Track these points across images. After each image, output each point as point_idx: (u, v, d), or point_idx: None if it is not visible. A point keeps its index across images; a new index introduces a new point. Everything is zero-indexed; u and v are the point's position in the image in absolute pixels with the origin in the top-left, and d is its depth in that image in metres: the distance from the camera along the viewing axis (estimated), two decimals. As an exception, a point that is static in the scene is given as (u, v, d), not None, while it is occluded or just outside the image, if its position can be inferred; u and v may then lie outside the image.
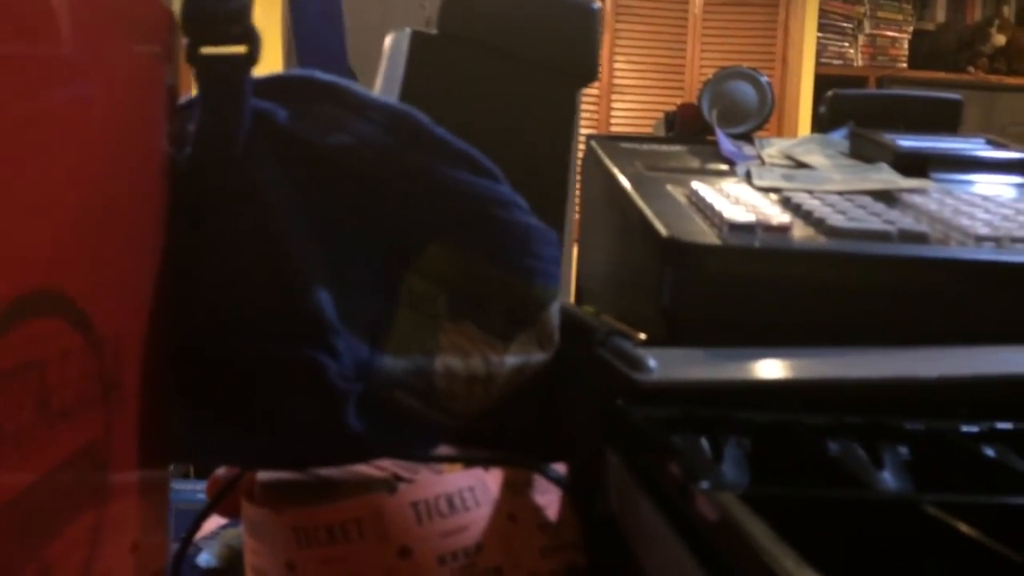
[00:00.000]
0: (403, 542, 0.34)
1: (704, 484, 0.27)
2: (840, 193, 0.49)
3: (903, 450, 0.35)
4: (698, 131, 0.68)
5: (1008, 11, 3.26)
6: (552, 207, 0.47)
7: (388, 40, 0.48)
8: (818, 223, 0.43)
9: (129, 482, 0.29)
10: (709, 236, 0.42)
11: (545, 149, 0.49)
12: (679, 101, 0.70)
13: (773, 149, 0.62)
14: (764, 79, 0.69)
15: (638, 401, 0.37)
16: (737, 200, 0.46)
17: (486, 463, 0.38)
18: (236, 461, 0.40)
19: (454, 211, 0.33)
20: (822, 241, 0.41)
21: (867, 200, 0.48)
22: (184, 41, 0.32)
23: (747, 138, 0.66)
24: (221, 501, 0.41)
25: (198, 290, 0.31)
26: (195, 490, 0.57)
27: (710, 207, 0.45)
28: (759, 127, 0.67)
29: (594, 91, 3.13)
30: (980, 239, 0.41)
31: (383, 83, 0.47)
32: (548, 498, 0.38)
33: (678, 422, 0.35)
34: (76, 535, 0.25)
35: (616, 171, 0.53)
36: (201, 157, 0.31)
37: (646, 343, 0.43)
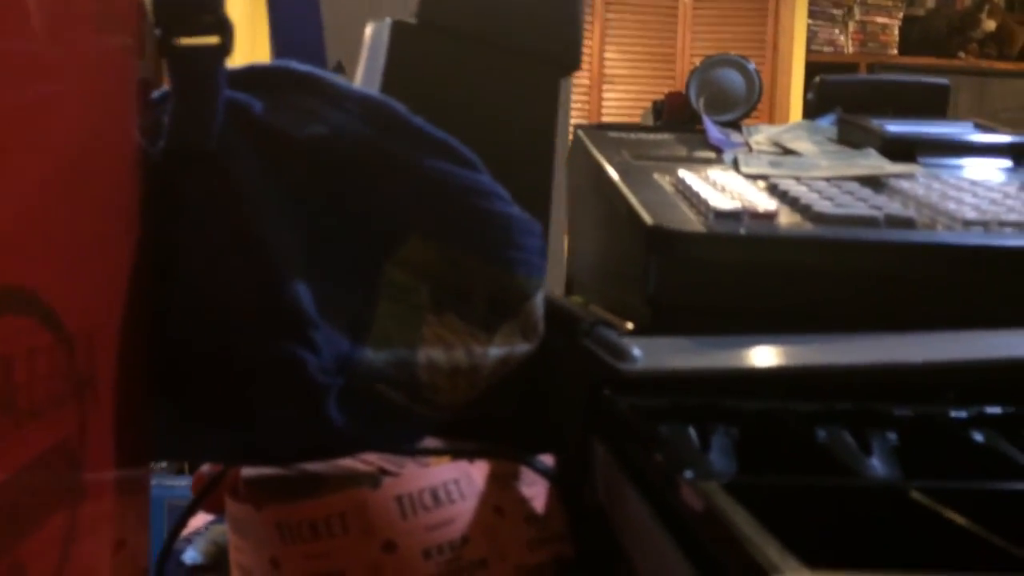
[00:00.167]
0: (388, 536, 0.34)
1: (688, 474, 0.27)
2: (827, 179, 0.49)
3: (891, 436, 0.35)
4: (686, 119, 0.68)
5: (998, -4, 3.26)
6: (536, 197, 0.47)
7: (368, 30, 0.48)
8: (804, 209, 0.43)
9: (106, 481, 0.28)
10: (694, 224, 0.41)
11: (529, 139, 0.48)
12: (670, 91, 0.69)
13: (761, 136, 0.61)
14: (751, 66, 0.68)
15: (624, 391, 0.36)
16: (723, 188, 0.46)
17: (472, 455, 0.37)
18: (218, 458, 0.39)
19: (434, 201, 0.33)
20: (808, 228, 0.41)
21: (854, 186, 0.47)
22: (156, 32, 0.31)
23: (735, 126, 0.65)
24: (206, 498, 0.41)
25: (174, 285, 0.30)
26: (188, 486, 0.57)
27: (696, 195, 0.45)
28: (747, 114, 0.67)
29: (585, 81, 3.12)
30: (968, 223, 0.41)
31: (364, 74, 0.47)
32: (535, 490, 0.38)
33: (665, 411, 0.35)
34: (50, 534, 0.24)
35: (603, 160, 0.53)
36: (175, 150, 0.30)
37: (633, 332, 0.42)
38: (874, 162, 0.51)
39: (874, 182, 0.49)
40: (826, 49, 3.10)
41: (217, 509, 0.44)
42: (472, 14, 0.47)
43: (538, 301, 0.37)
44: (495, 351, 0.35)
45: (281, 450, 0.35)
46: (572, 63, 0.48)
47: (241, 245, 0.30)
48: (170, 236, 0.30)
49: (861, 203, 0.43)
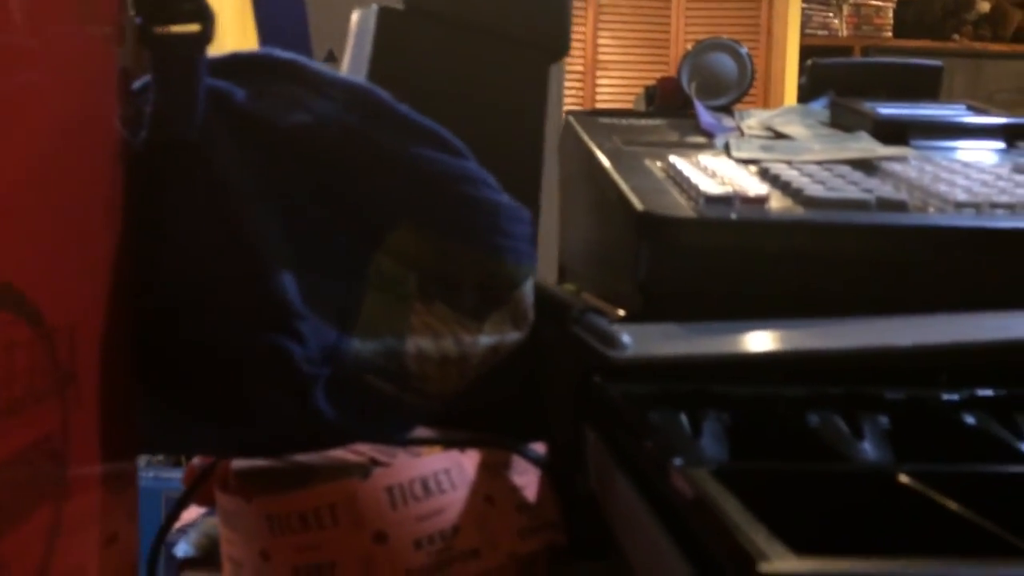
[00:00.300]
0: (378, 527, 0.34)
1: (677, 461, 0.27)
2: (819, 163, 0.49)
3: (883, 420, 0.35)
4: (679, 105, 0.67)
5: (992, -23, 3.25)
6: (526, 184, 0.46)
7: (355, 17, 0.47)
8: (796, 193, 0.42)
9: (91, 475, 0.28)
10: (685, 210, 0.41)
11: (518, 125, 0.48)
12: (664, 76, 0.69)
13: (753, 120, 0.61)
14: (744, 50, 0.68)
15: (616, 378, 0.36)
16: (714, 173, 0.46)
17: (463, 445, 0.37)
18: (208, 450, 0.39)
19: (420, 189, 0.33)
20: (799, 212, 0.41)
21: (846, 169, 0.47)
22: (136, 21, 0.31)
23: (727, 110, 0.65)
24: (197, 490, 0.41)
25: (158, 278, 0.30)
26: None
27: (687, 180, 0.44)
28: (739, 99, 0.66)
29: (579, 67, 3.11)
30: (959, 205, 0.41)
31: (351, 61, 0.46)
32: (527, 478, 0.38)
33: (656, 398, 0.35)
34: (33, 529, 0.24)
35: (594, 147, 0.52)
36: (156, 140, 0.30)
37: (625, 319, 0.42)
38: (866, 145, 0.51)
39: (866, 165, 0.48)
40: (820, 33, 3.09)
41: (210, 502, 0.44)
42: (459, 0, 0.47)
43: (527, 289, 0.36)
44: (485, 339, 0.35)
45: (271, 442, 0.34)
46: (560, 49, 0.48)
47: (225, 236, 0.30)
48: (154, 227, 0.30)
49: (853, 186, 0.43)
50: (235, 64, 0.32)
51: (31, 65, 0.24)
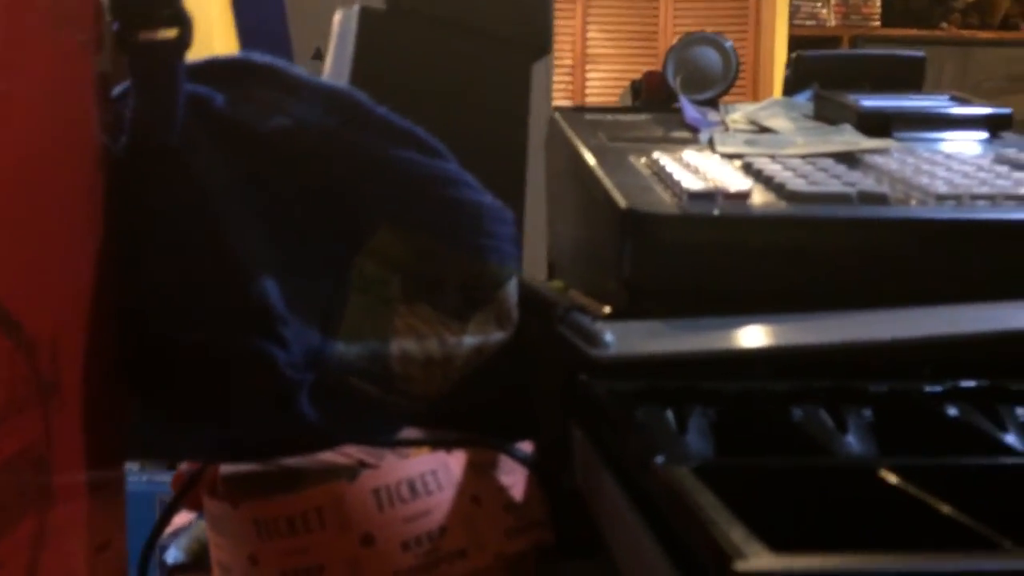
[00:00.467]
0: (365, 529, 0.34)
1: (659, 458, 0.27)
2: (802, 156, 0.49)
3: (867, 413, 0.35)
4: (665, 99, 0.67)
5: (979, -35, 3.25)
6: (510, 182, 0.47)
7: (337, 17, 0.47)
8: (778, 188, 0.42)
9: (77, 484, 0.28)
10: (668, 206, 0.41)
11: (501, 123, 0.48)
12: (653, 69, 0.69)
13: (738, 114, 0.61)
14: (728, 44, 0.68)
15: (602, 375, 0.36)
16: (697, 168, 0.46)
17: (449, 445, 0.37)
18: (195, 455, 0.39)
19: (401, 191, 0.33)
20: (782, 206, 0.41)
21: (829, 162, 0.47)
22: (114, 27, 0.31)
23: (713, 104, 0.65)
24: (186, 496, 0.41)
25: (140, 285, 0.30)
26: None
27: (670, 176, 0.44)
28: (724, 92, 0.66)
29: (568, 62, 3.11)
30: (940, 198, 0.41)
31: (333, 61, 0.46)
32: (514, 478, 0.38)
33: (642, 395, 0.35)
34: (17, 539, 0.24)
35: (579, 143, 0.53)
36: (137, 146, 0.30)
37: (611, 316, 0.42)
38: (849, 138, 0.51)
39: (849, 158, 0.48)
40: (809, 23, 3.09)
41: (200, 507, 0.44)
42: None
43: (511, 289, 0.36)
44: (469, 340, 0.35)
45: (257, 446, 0.35)
46: (543, 47, 0.48)
47: (206, 241, 0.30)
48: (135, 234, 0.30)
49: (835, 180, 0.43)
50: (214, 69, 0.32)
51: (6, 74, 0.24)
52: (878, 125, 0.53)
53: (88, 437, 0.28)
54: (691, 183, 0.42)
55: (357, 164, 0.32)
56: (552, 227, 0.63)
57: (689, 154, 0.50)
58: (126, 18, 0.30)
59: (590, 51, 3.14)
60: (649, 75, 0.72)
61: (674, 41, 0.70)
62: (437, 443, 0.38)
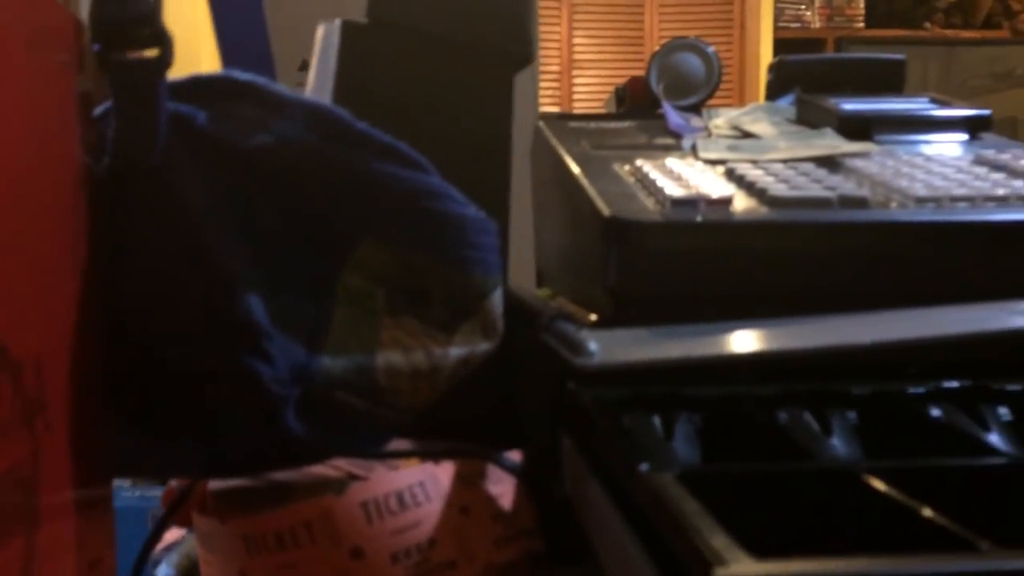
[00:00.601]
0: (355, 543, 0.34)
1: (644, 466, 0.27)
2: (784, 161, 0.49)
3: (851, 415, 0.35)
4: (649, 105, 0.68)
5: (961, -35, 3.27)
6: (494, 192, 0.47)
7: (319, 32, 0.47)
8: (760, 193, 0.43)
9: (65, 503, 0.28)
10: (651, 213, 0.41)
11: (484, 134, 0.48)
12: (640, 74, 0.69)
13: (720, 120, 0.61)
14: (710, 50, 0.68)
15: (589, 383, 0.37)
16: (680, 175, 0.46)
17: (437, 456, 0.38)
18: (183, 472, 0.39)
19: (383, 205, 0.33)
20: (763, 212, 0.41)
21: (810, 167, 0.48)
22: (95, 48, 0.31)
23: (696, 109, 0.65)
24: (176, 512, 0.41)
25: (125, 303, 0.30)
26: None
27: (653, 183, 0.45)
28: (708, 98, 0.67)
29: (555, 68, 3.11)
30: (920, 200, 0.41)
31: (316, 76, 0.46)
32: (502, 487, 0.38)
33: (629, 402, 0.35)
34: (6, 560, 0.24)
35: (563, 152, 0.53)
36: (119, 165, 0.30)
37: (597, 324, 0.42)
38: (830, 142, 0.52)
39: (830, 162, 0.49)
40: (793, 25, 3.11)
41: (190, 523, 0.44)
42: (423, 11, 0.47)
43: (496, 299, 0.37)
44: (455, 351, 0.35)
45: (244, 461, 0.35)
46: (526, 58, 0.48)
47: (190, 259, 0.30)
48: (119, 253, 0.30)
49: (816, 184, 0.44)
50: (196, 87, 0.32)
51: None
52: (859, 128, 0.53)
53: (75, 456, 0.28)
54: (674, 190, 0.42)
55: (339, 179, 0.32)
56: (539, 235, 0.63)
57: (672, 161, 0.50)
58: (107, 38, 0.30)
59: (577, 57, 3.15)
60: (633, 81, 0.73)
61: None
62: (425, 454, 0.38)
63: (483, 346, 0.36)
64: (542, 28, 2.95)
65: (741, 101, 2.93)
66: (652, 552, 0.26)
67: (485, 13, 0.48)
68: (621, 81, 0.74)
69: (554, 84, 3.11)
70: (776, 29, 3.07)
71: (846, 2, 3.13)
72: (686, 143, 0.55)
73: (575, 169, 0.49)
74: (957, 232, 0.40)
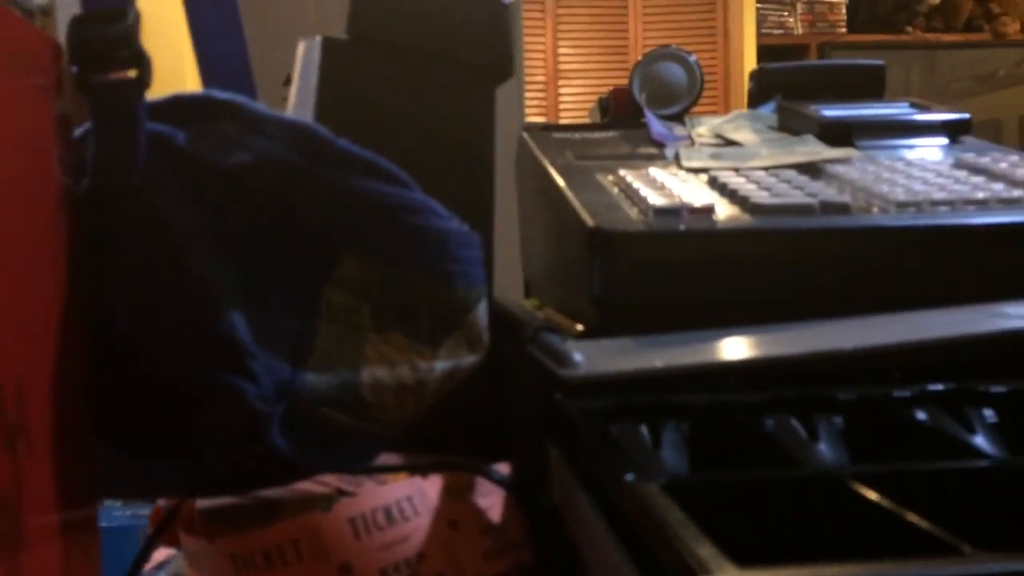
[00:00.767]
0: (343, 559, 0.34)
1: (629, 476, 0.27)
2: (766, 168, 0.49)
3: (837, 420, 0.35)
4: (633, 115, 0.68)
5: (940, -31, 3.30)
6: (477, 206, 0.47)
7: (300, 48, 0.47)
8: (742, 201, 0.43)
9: (48, 527, 0.28)
10: (634, 223, 0.41)
11: (467, 148, 0.48)
12: (624, 83, 0.70)
13: (703, 128, 0.62)
14: (692, 58, 0.69)
15: (576, 394, 0.37)
16: (663, 184, 0.46)
17: (425, 470, 0.37)
18: (168, 492, 0.39)
19: (365, 221, 0.33)
20: (746, 219, 0.41)
21: (792, 174, 0.48)
22: (73, 69, 0.31)
23: (679, 118, 0.66)
24: (164, 531, 0.41)
25: (108, 324, 0.30)
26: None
27: (636, 193, 0.45)
28: (690, 107, 0.67)
29: (540, 78, 3.13)
30: (901, 205, 0.42)
31: (297, 92, 0.46)
32: (491, 500, 0.38)
33: (616, 411, 0.35)
34: (-12, 587, 0.24)
35: (546, 163, 0.53)
36: (99, 186, 0.30)
37: (584, 334, 0.42)
38: (812, 148, 0.52)
39: (812, 168, 0.49)
40: (776, 32, 3.13)
41: (176, 543, 0.44)
42: (403, 27, 0.47)
43: (481, 312, 0.37)
44: (441, 365, 0.35)
45: (230, 480, 0.34)
46: (506, 71, 0.49)
47: (171, 279, 0.30)
48: (100, 274, 0.30)
49: (797, 191, 0.44)
50: (175, 107, 0.32)
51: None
52: (840, 134, 0.53)
53: (58, 479, 0.28)
54: (657, 199, 0.43)
55: (320, 196, 0.32)
56: (526, 246, 0.63)
57: (655, 170, 0.50)
58: (85, 60, 0.30)
59: (562, 67, 3.16)
60: (616, 91, 0.73)
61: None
62: (413, 468, 0.38)
63: (469, 359, 0.36)
64: (527, 39, 2.96)
65: (726, 108, 2.94)
66: (639, 563, 0.26)
67: (465, 28, 0.48)
68: (607, 90, 0.75)
69: (540, 94, 3.12)
70: (759, 36, 3.09)
71: (828, 8, 3.15)
72: (669, 152, 0.56)
73: (559, 180, 0.49)
74: (937, 236, 0.40)
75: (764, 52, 3.04)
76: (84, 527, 0.31)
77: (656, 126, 0.61)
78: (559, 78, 3.16)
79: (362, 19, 0.47)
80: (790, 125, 0.59)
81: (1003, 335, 0.36)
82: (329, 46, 0.46)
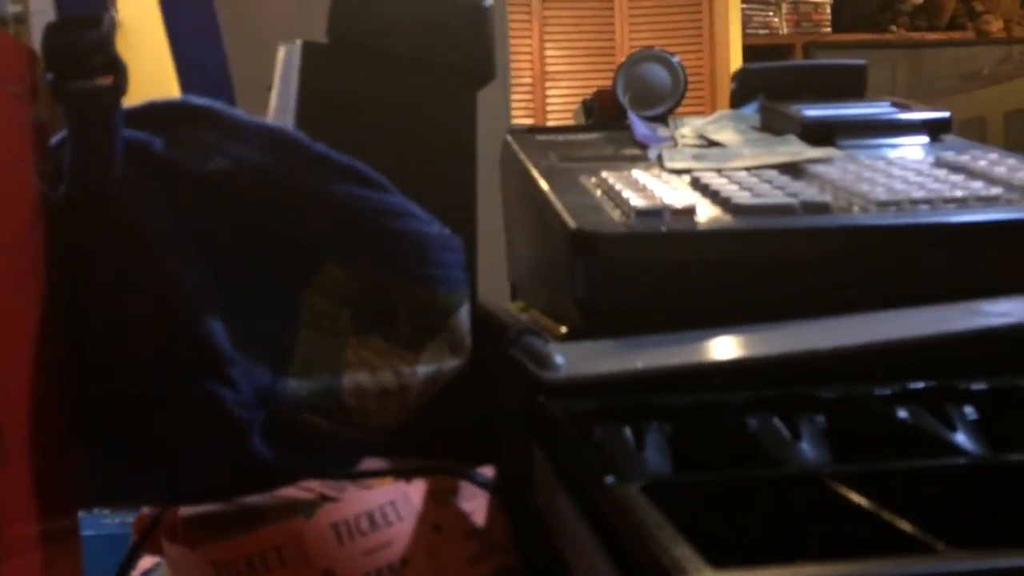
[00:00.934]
0: (326, 565, 0.34)
1: (609, 479, 0.27)
2: (748, 169, 0.50)
3: (819, 419, 0.35)
4: (617, 116, 0.68)
5: (924, -32, 3.32)
6: (459, 208, 0.47)
7: (280, 53, 0.47)
8: (724, 202, 0.43)
9: (29, 536, 0.28)
10: (616, 225, 0.42)
11: (448, 151, 0.48)
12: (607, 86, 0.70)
13: (687, 129, 0.62)
14: (675, 60, 0.69)
15: (559, 396, 0.37)
16: (645, 186, 0.47)
17: (408, 474, 0.37)
18: (151, 500, 0.39)
19: (343, 226, 0.33)
20: (727, 220, 0.41)
21: (773, 174, 0.48)
22: (48, 77, 0.31)
23: (663, 119, 0.66)
24: (147, 539, 0.40)
25: (87, 331, 0.30)
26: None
27: (618, 195, 0.45)
28: (674, 108, 0.67)
29: (528, 80, 3.13)
30: (881, 204, 0.42)
31: (278, 97, 0.46)
32: (475, 503, 0.38)
33: (600, 413, 0.35)
34: (-35, 599, 0.24)
35: (530, 165, 0.53)
36: (76, 193, 0.30)
37: (568, 336, 0.42)
38: (793, 148, 0.52)
39: (793, 168, 0.49)
40: (761, 32, 3.14)
41: (160, 551, 0.43)
42: (381, 30, 0.47)
43: (463, 315, 0.37)
44: (423, 369, 0.35)
45: (212, 487, 0.34)
46: (487, 74, 0.49)
47: (150, 285, 0.30)
48: (78, 281, 0.30)
49: (778, 191, 0.44)
50: (152, 113, 0.32)
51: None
52: (821, 134, 0.54)
53: (38, 489, 0.28)
54: (639, 201, 0.43)
55: (297, 201, 0.32)
56: (510, 248, 0.63)
57: (638, 172, 0.50)
58: (60, 68, 0.30)
59: (549, 69, 3.17)
60: (600, 93, 0.73)
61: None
62: (396, 473, 0.38)
63: (451, 363, 0.36)
64: (513, 41, 2.97)
65: (713, 108, 2.95)
66: (619, 565, 0.26)
67: (446, 32, 0.48)
68: (593, 91, 0.75)
69: (527, 96, 3.12)
70: (745, 36, 3.10)
71: (813, 8, 3.17)
72: (652, 153, 0.56)
73: (542, 182, 0.49)
74: (917, 234, 0.40)
75: (750, 52, 3.04)
76: (65, 536, 0.31)
77: (639, 127, 0.61)
78: (546, 80, 3.16)
79: (342, 23, 0.47)
80: (772, 125, 0.59)
81: (982, 333, 0.37)
82: (309, 50, 0.46)
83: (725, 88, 3.11)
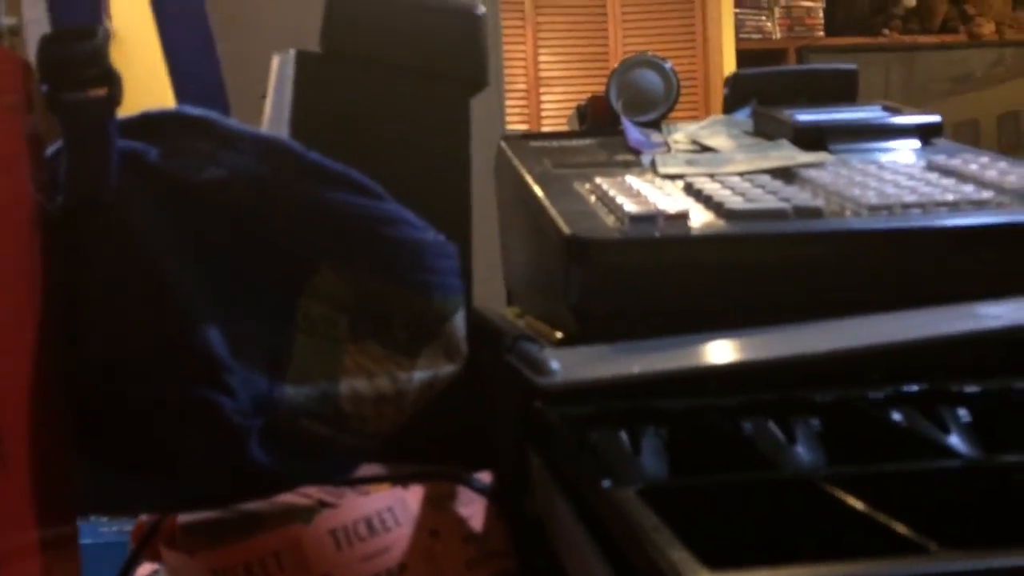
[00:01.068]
0: (324, 570, 0.34)
1: (605, 483, 0.27)
2: (741, 174, 0.50)
3: (814, 422, 0.36)
4: (610, 122, 0.68)
5: (916, -28, 3.33)
6: (454, 215, 0.47)
7: (274, 62, 0.48)
8: (717, 207, 0.43)
9: (27, 545, 0.28)
10: (610, 231, 0.42)
11: (442, 158, 0.49)
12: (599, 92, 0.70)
13: (680, 134, 0.62)
14: (668, 65, 0.69)
15: (555, 401, 0.37)
16: (638, 192, 0.47)
17: (406, 480, 0.38)
18: (149, 507, 0.39)
19: (338, 233, 0.33)
20: (720, 225, 0.42)
21: (766, 179, 0.48)
22: (43, 89, 0.31)
23: (656, 125, 0.66)
24: (147, 546, 0.40)
25: (84, 340, 0.30)
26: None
27: (612, 200, 0.45)
28: (667, 113, 0.67)
29: (522, 86, 3.13)
30: (873, 208, 0.42)
31: (272, 107, 0.47)
32: (473, 509, 0.38)
33: (596, 418, 0.35)
34: (-35, 608, 0.24)
35: (524, 171, 0.53)
36: (72, 204, 0.30)
37: (563, 342, 0.43)
38: (786, 153, 0.53)
39: (786, 173, 0.50)
40: (755, 36, 3.15)
41: (159, 558, 0.44)
42: (374, 39, 0.47)
43: (458, 321, 0.37)
44: (420, 375, 0.35)
45: (210, 494, 0.34)
46: (480, 82, 0.49)
47: (146, 295, 0.30)
48: (75, 291, 0.30)
49: (771, 196, 0.44)
50: (147, 123, 0.32)
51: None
52: (813, 139, 0.54)
53: (36, 497, 0.28)
54: (632, 207, 0.43)
55: (292, 209, 0.33)
56: (506, 254, 0.64)
57: (631, 177, 0.51)
58: (55, 79, 0.30)
59: (543, 75, 3.17)
60: (593, 99, 0.74)
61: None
62: (393, 478, 0.38)
63: (447, 369, 0.36)
64: (507, 47, 2.97)
65: (707, 113, 2.96)
66: (617, 568, 0.26)
67: (438, 40, 0.48)
68: (587, 97, 0.75)
69: (522, 102, 3.13)
70: (738, 40, 3.11)
71: (805, 12, 3.18)
72: (645, 159, 0.56)
73: (536, 188, 0.49)
74: (909, 238, 0.40)
75: (743, 57, 3.05)
76: (63, 544, 0.31)
77: (633, 133, 0.62)
78: (540, 86, 3.17)
79: (335, 32, 0.47)
80: (765, 130, 0.59)
81: (975, 336, 0.37)
82: (303, 60, 0.47)
83: (718, 93, 3.13)
